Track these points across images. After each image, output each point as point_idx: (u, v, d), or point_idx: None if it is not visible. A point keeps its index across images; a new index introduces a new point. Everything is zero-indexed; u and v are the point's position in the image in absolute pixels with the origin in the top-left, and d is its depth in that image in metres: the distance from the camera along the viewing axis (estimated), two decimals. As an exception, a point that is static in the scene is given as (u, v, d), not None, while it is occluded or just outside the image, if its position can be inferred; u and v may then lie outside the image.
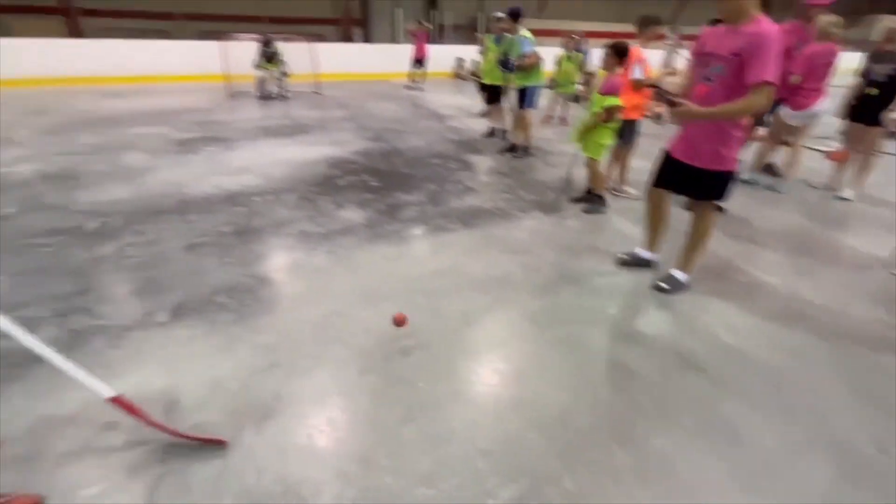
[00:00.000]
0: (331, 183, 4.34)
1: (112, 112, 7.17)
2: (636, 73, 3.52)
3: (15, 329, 1.32)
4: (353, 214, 3.65)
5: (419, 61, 10.83)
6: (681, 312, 2.49)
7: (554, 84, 7.23)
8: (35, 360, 1.88)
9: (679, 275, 2.67)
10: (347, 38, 15.96)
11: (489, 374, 2.01)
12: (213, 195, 3.94)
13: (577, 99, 8.06)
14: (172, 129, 6.19)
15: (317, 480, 1.53)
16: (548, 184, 4.46)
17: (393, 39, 13.68)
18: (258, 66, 8.68)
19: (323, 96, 9.49)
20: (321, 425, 1.75)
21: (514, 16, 4.87)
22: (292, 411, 1.80)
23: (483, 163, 5.14)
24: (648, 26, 3.54)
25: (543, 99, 5.93)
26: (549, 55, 6.56)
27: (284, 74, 8.90)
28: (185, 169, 4.58)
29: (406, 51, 11.16)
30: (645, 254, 2.84)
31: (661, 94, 2.28)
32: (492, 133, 6.20)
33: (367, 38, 16.97)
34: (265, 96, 8.79)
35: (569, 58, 6.92)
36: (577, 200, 3.87)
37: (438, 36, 14.09)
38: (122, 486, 1.49)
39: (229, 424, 1.73)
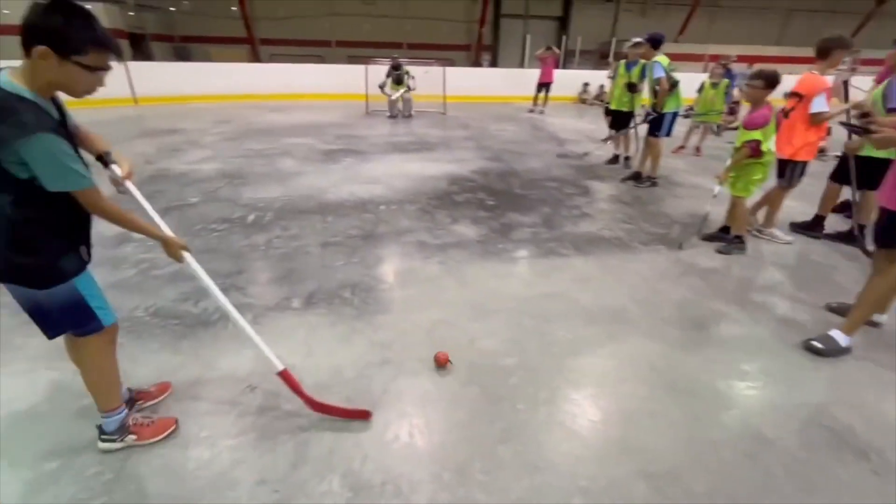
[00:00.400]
0: (449, 198, 4.48)
1: (274, 124, 8.25)
2: (818, 106, 3.09)
3: (216, 291, 1.60)
4: (467, 230, 3.74)
5: (544, 86, 10.83)
6: (837, 380, 2.13)
7: (690, 111, 6.68)
8: (201, 324, 2.24)
9: (838, 336, 2.27)
10: (476, 62, 16.58)
11: (594, 409, 1.90)
12: (347, 201, 4.33)
13: (717, 129, 7.37)
14: (319, 140, 6.85)
15: (414, 478, 1.57)
16: (675, 217, 4.12)
17: (520, 64, 13.86)
18: (382, 87, 9.30)
19: (448, 117, 9.88)
20: (422, 426, 1.79)
21: (655, 43, 4.67)
22: (398, 408, 1.87)
23: (603, 189, 4.93)
24: (835, 49, 3.05)
25: (680, 126, 5.63)
26: (688, 81, 6.09)
27: (408, 90, 9.38)
28: (326, 176, 5.09)
29: (532, 75, 11.21)
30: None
31: (851, 125, 1.96)
32: (615, 159, 5.94)
33: (495, 63, 17.47)
34: (394, 115, 9.44)
35: (713, 84, 6.38)
36: (711, 238, 3.52)
37: (566, 60, 13.95)
38: (250, 443, 1.67)
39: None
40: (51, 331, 1.36)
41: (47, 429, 1.71)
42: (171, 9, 15.00)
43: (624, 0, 14.52)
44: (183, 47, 15.78)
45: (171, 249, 1.50)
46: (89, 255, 1.39)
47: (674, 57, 4.91)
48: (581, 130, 8.54)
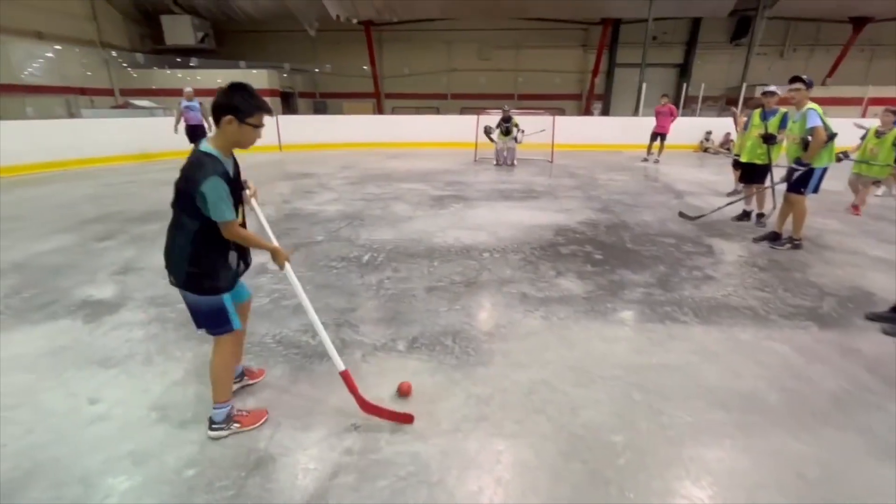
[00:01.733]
0: (553, 249, 4.38)
1: (391, 170, 8.76)
2: None
3: (306, 302, 1.96)
4: (572, 284, 3.60)
5: (659, 135, 10.37)
6: None
7: (843, 156, 5.75)
8: (317, 356, 2.40)
9: None
10: (587, 111, 16.49)
11: (723, 515, 1.62)
12: (453, 246, 4.44)
13: (878, 183, 6.29)
14: (430, 186, 7.15)
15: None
16: (827, 288, 3.52)
17: (634, 111, 13.47)
18: (488, 132, 9.59)
19: (555, 165, 9.86)
20: (518, 496, 1.70)
21: (810, 85, 4.08)
22: (495, 473, 1.80)
23: (731, 250, 4.43)
24: None
25: (834, 181, 5.06)
26: (841, 129, 5.33)
27: (515, 140, 9.57)
28: (435, 221, 5.30)
29: (647, 123, 10.84)
30: None
31: None
32: (744, 216, 5.34)
33: (606, 111, 17.19)
34: (500, 163, 9.66)
35: (878, 133, 5.49)
36: (879, 318, 2.97)
37: (685, 107, 13.23)
38: (350, 484, 1.74)
39: (439, 462, 1.85)
40: (198, 325, 1.83)
41: (189, 437, 1.95)
42: (316, 70, 17.37)
43: (757, 44, 13.44)
44: (322, 102, 18.04)
45: (279, 258, 1.88)
46: (245, 267, 1.91)
47: (822, 102, 4.33)
48: (702, 182, 7.95)
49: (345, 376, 1.99)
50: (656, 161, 10.27)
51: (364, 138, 12.28)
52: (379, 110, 16.85)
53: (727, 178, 6.80)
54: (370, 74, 16.34)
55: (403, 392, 2.15)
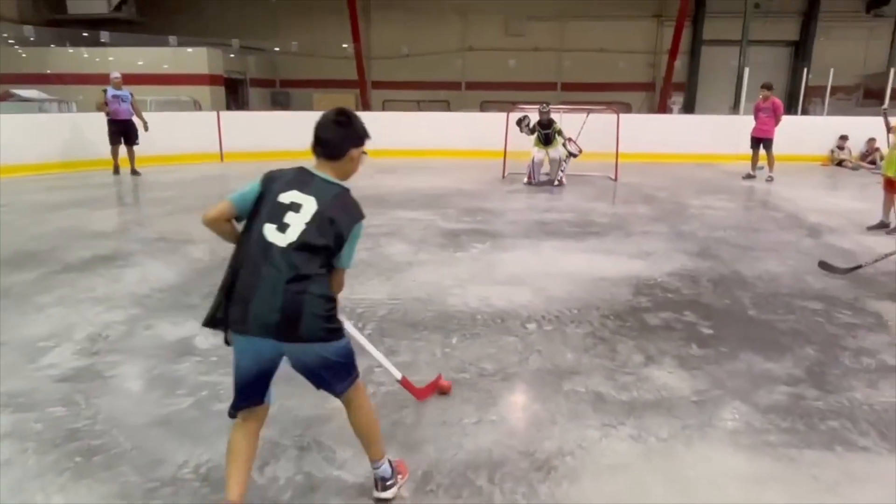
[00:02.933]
0: (637, 318, 4.18)
1: (383, 190, 8.99)
2: None
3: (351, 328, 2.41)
4: (672, 378, 3.31)
5: (760, 141, 10.54)
6: None
7: None
8: None
9: None
10: (662, 107, 16.66)
11: None
12: (478, 311, 4.23)
13: None
14: (440, 216, 7.27)
15: None
16: None
17: (733, 108, 13.56)
18: (521, 125, 9.69)
19: (621, 184, 10.00)
20: None
21: None
22: None
23: (912, 319, 4.17)
24: None
25: None
26: None
27: (571, 156, 9.70)
28: (449, 269, 5.19)
29: (749, 124, 11.00)
30: None
31: None
32: (882, 226, 5.13)
33: (690, 107, 17.55)
34: (535, 182, 9.73)
35: None
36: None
37: (806, 103, 13.29)
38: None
39: None
40: (342, 382, 2.11)
41: None
42: (276, 49, 17.85)
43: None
44: (283, 93, 18.60)
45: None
46: None
47: None
48: (844, 211, 7.90)
49: (404, 384, 2.82)
50: (769, 179, 10.40)
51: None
52: (364, 105, 17.22)
53: (879, 205, 6.71)
54: (352, 55, 16.72)
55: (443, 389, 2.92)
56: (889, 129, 6.87)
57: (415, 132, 13.10)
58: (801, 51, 17.22)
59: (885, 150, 11.86)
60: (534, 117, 9.86)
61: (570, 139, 9.76)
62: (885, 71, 13.81)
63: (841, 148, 12.80)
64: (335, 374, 2.08)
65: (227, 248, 2.12)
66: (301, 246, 1.93)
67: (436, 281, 4.85)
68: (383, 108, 17.81)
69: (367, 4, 17.94)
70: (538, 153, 9.79)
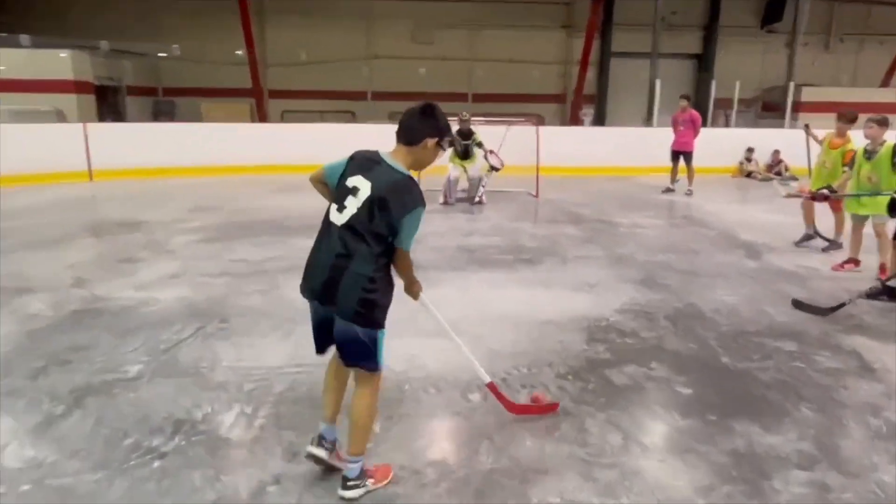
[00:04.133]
0: (599, 376, 3.54)
1: (281, 214, 8.09)
2: None
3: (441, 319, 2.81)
4: (664, 470, 2.63)
5: (681, 154, 10.51)
6: None
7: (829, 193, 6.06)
8: None
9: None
10: (574, 118, 16.71)
11: None
12: (406, 378, 3.45)
13: None
14: None
15: None
16: None
17: (646, 120, 13.59)
18: (450, 160, 9.17)
19: (543, 201, 9.59)
20: None
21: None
22: None
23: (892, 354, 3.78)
24: None
25: None
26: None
27: (493, 170, 9.21)
28: None
29: (663, 137, 10.99)
30: None
31: None
32: (884, 291, 4.77)
33: (601, 119, 17.63)
34: (451, 201, 9.17)
35: (867, 154, 5.67)
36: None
37: (714, 116, 13.56)
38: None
39: None
40: (356, 360, 2.38)
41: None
42: (160, 54, 16.22)
43: (802, 30, 14.32)
44: (167, 102, 16.97)
45: (414, 290, 2.60)
46: None
47: (881, 109, 4.28)
48: (774, 226, 7.74)
49: (491, 388, 2.93)
50: (688, 192, 10.36)
51: (236, 159, 11.76)
52: (261, 116, 16.09)
53: (796, 217, 6.82)
54: (246, 61, 15.51)
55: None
56: (817, 141, 6.83)
57: (318, 145, 11.74)
58: (703, 63, 17.77)
59: (791, 162, 12.49)
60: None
61: (491, 151, 9.18)
62: (782, 85, 14.36)
63: (749, 160, 13.06)
64: (356, 351, 2.31)
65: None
66: (349, 227, 2.21)
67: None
68: (282, 120, 16.85)
69: (261, 7, 16.76)
70: (454, 170, 9.18)
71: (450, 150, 9.01)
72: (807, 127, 7.58)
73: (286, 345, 3.87)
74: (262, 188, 10.25)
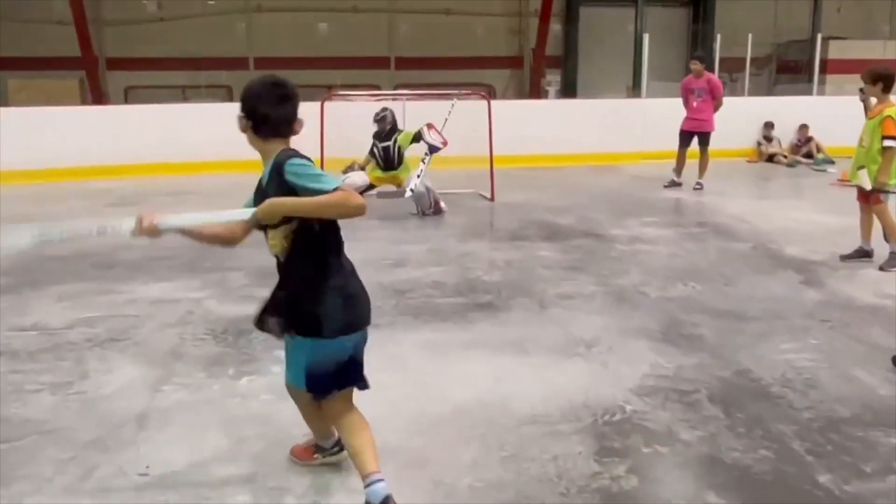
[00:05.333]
0: None
1: (114, 242, 7.28)
2: None
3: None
4: None
5: (694, 136, 10.51)
6: None
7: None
8: None
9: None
10: (534, 89, 16.76)
11: None
12: None
13: None
14: (214, 289, 6.14)
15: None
16: None
17: (632, 89, 13.39)
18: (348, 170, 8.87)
19: (500, 205, 9.47)
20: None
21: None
22: None
23: None
24: None
25: None
26: None
27: (432, 150, 8.87)
28: (232, 427, 3.69)
29: (655, 110, 11.41)
30: None
31: None
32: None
33: (570, 89, 17.60)
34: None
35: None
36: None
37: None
38: None
39: None
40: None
41: None
42: None
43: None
44: None
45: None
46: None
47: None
48: (818, 232, 7.83)
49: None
50: (697, 187, 10.41)
51: (55, 159, 11.62)
52: (96, 95, 15.70)
53: (848, 217, 6.87)
54: (70, 20, 14.98)
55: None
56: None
57: (179, 136, 12.15)
58: (702, 13, 18.02)
59: (824, 140, 12.46)
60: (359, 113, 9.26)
61: (429, 126, 8.82)
62: (802, 39, 14.41)
63: (768, 139, 13.17)
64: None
65: None
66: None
67: (201, 463, 3.31)
68: (126, 100, 16.35)
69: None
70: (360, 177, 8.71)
71: (372, 152, 9.07)
72: (862, 92, 7.35)
73: (89, 482, 3.10)
74: (92, 201, 10.07)
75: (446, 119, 9.31)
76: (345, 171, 8.73)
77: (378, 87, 12.25)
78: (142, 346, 4.84)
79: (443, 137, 8.88)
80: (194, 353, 4.72)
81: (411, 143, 8.77)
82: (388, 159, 8.82)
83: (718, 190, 10.07)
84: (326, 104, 9.77)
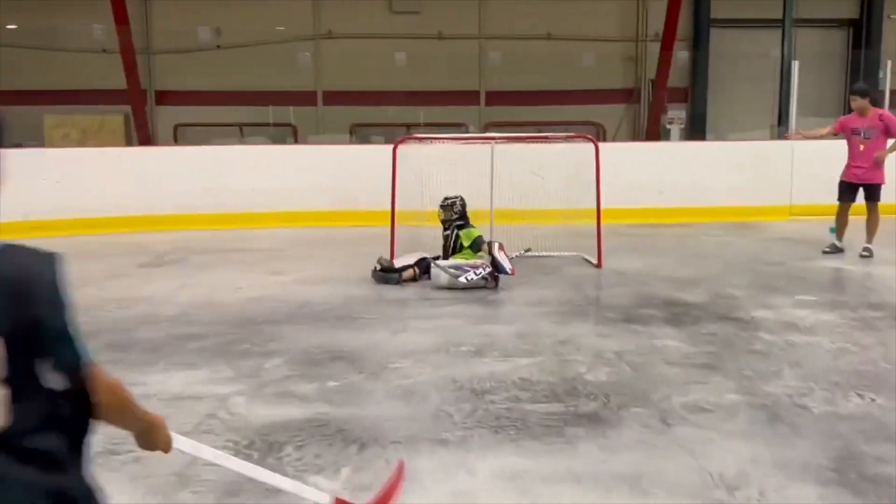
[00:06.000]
0: None
1: (134, 313, 7.90)
2: None
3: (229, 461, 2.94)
4: None
5: (863, 190, 10.27)
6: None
7: None
8: None
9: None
10: (652, 129, 16.68)
11: None
12: None
13: None
14: (247, 381, 5.97)
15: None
16: None
17: (778, 127, 13.26)
18: (385, 271, 9.12)
19: (609, 273, 9.38)
20: None
21: None
22: None
23: None
24: None
25: None
26: None
27: (494, 274, 8.93)
28: None
29: (798, 154, 11.45)
30: None
31: None
32: None
33: (698, 128, 17.42)
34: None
35: None
36: None
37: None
38: None
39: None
40: None
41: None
42: None
43: None
44: None
45: (159, 436, 2.23)
46: None
47: None
48: None
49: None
50: (865, 253, 10.08)
51: (91, 208, 12.09)
52: (142, 134, 16.21)
53: None
54: (117, 47, 15.60)
55: None
56: None
57: (230, 182, 12.55)
58: (862, 34, 17.65)
59: None
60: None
61: (500, 246, 8.92)
62: None
63: None
64: None
65: None
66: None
67: None
68: (176, 140, 16.76)
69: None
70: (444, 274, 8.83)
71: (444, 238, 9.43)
72: None
73: None
74: (127, 260, 10.47)
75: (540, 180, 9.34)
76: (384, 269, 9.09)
77: (465, 127, 11.90)
78: (143, 465, 4.41)
79: (511, 265, 8.94)
80: (206, 476, 4.32)
81: (471, 246, 8.91)
82: (444, 247, 9.15)
83: (893, 258, 9.54)
84: (400, 147, 9.85)
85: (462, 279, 8.61)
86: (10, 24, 16.25)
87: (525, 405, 5.31)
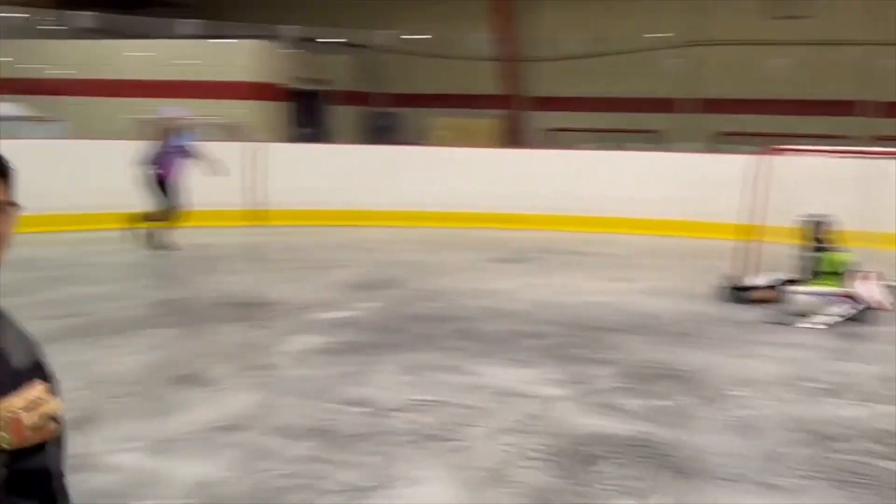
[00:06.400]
0: None
1: (483, 304, 8.17)
2: None
3: None
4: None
5: None
6: None
7: None
8: None
9: None
10: None
11: None
12: None
13: None
14: (572, 393, 5.83)
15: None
16: None
17: None
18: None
19: None
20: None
21: None
22: None
23: None
24: None
25: None
26: None
27: (865, 309, 8.10)
28: None
29: None
30: None
31: None
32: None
33: None
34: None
35: None
36: None
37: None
38: None
39: None
40: None
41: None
42: (382, 44, 17.76)
43: None
44: (385, 115, 18.47)
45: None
46: None
47: None
48: None
49: None
50: None
51: (455, 201, 12.81)
52: (513, 137, 16.96)
53: None
54: (496, 55, 16.46)
55: None
56: None
57: (589, 186, 12.78)
58: None
59: None
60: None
61: (870, 276, 8.14)
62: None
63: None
64: None
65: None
66: None
67: None
68: (546, 143, 17.22)
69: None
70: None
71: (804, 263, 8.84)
72: None
73: None
74: (479, 254, 10.91)
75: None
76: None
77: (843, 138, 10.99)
78: (462, 455, 4.65)
79: (880, 298, 8.06)
80: (518, 478, 4.33)
81: (834, 272, 8.20)
82: (804, 268, 8.43)
83: None
84: (768, 158, 9.28)
85: (824, 317, 7.84)
86: (404, 34, 17.39)
87: (878, 461, 4.70)
